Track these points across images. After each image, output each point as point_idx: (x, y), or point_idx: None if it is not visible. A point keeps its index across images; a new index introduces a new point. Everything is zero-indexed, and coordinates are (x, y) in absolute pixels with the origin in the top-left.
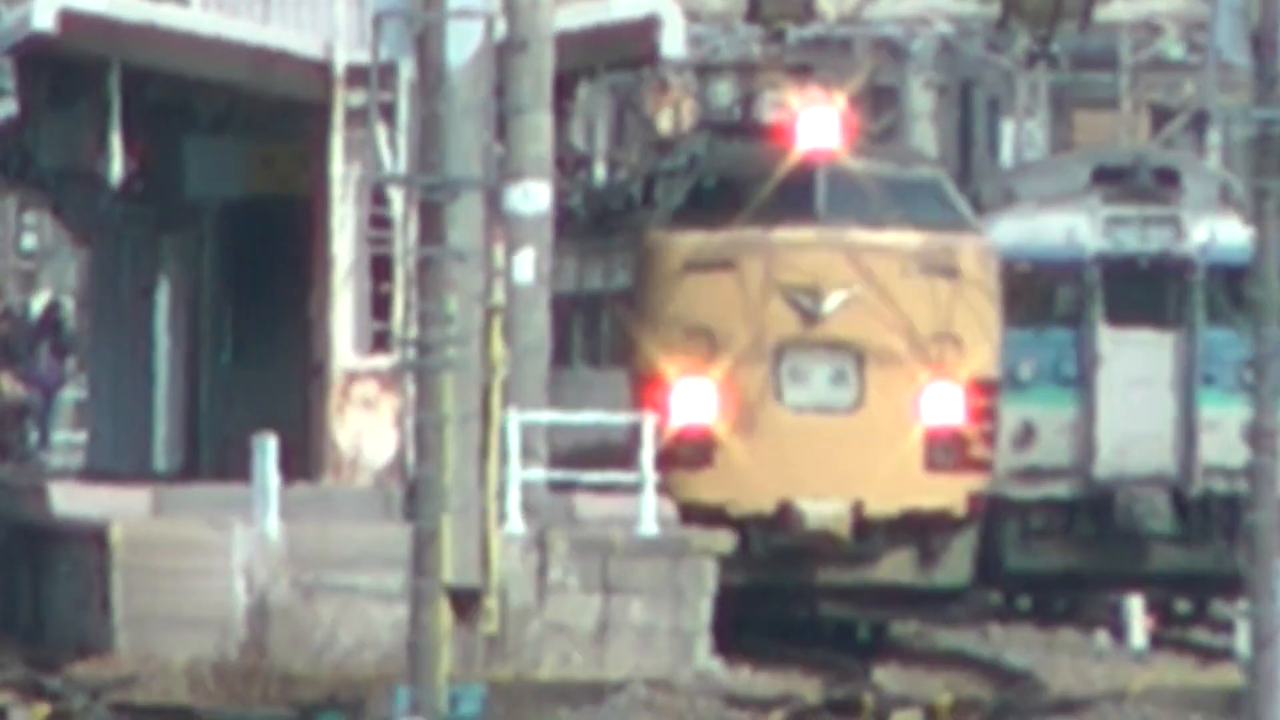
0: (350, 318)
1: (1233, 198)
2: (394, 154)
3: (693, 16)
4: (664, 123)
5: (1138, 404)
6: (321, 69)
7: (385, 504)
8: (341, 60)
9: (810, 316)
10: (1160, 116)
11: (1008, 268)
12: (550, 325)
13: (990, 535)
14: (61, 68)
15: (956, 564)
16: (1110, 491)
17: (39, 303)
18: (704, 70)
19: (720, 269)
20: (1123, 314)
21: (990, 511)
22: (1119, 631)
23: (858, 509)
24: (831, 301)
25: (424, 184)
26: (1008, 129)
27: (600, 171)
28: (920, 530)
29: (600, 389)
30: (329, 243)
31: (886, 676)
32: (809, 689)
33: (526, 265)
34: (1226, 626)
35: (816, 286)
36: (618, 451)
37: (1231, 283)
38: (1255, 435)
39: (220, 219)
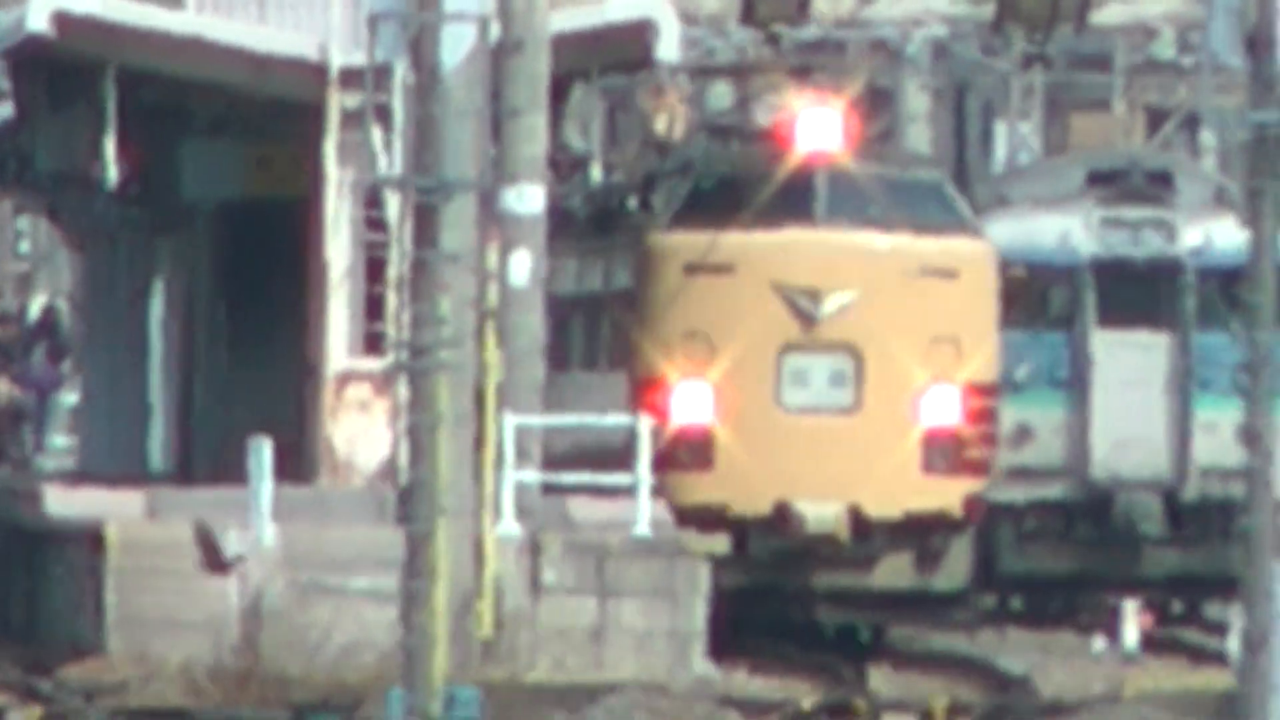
0: (345, 320)
1: (1227, 200)
2: (389, 156)
3: (688, 19)
4: (659, 127)
5: (1132, 406)
6: (317, 71)
7: (379, 506)
8: (337, 62)
9: (810, 318)
10: (1155, 118)
11: (1002, 270)
12: (549, 327)
13: (985, 538)
14: (57, 70)
15: (955, 567)
16: (1105, 494)
17: (35, 306)
18: (704, 72)
19: (720, 271)
20: (1117, 316)
21: (985, 514)
22: (1114, 634)
23: (856, 511)
24: (831, 304)
25: (419, 186)
26: (1001, 131)
27: (596, 173)
28: (919, 533)
29: (599, 391)
30: (324, 245)
31: (881, 679)
32: (804, 692)
33: (521, 267)
34: (1220, 629)
35: (816, 289)
36: (617, 453)
37: (1226, 285)
38: (1250, 438)
39: (215, 221)
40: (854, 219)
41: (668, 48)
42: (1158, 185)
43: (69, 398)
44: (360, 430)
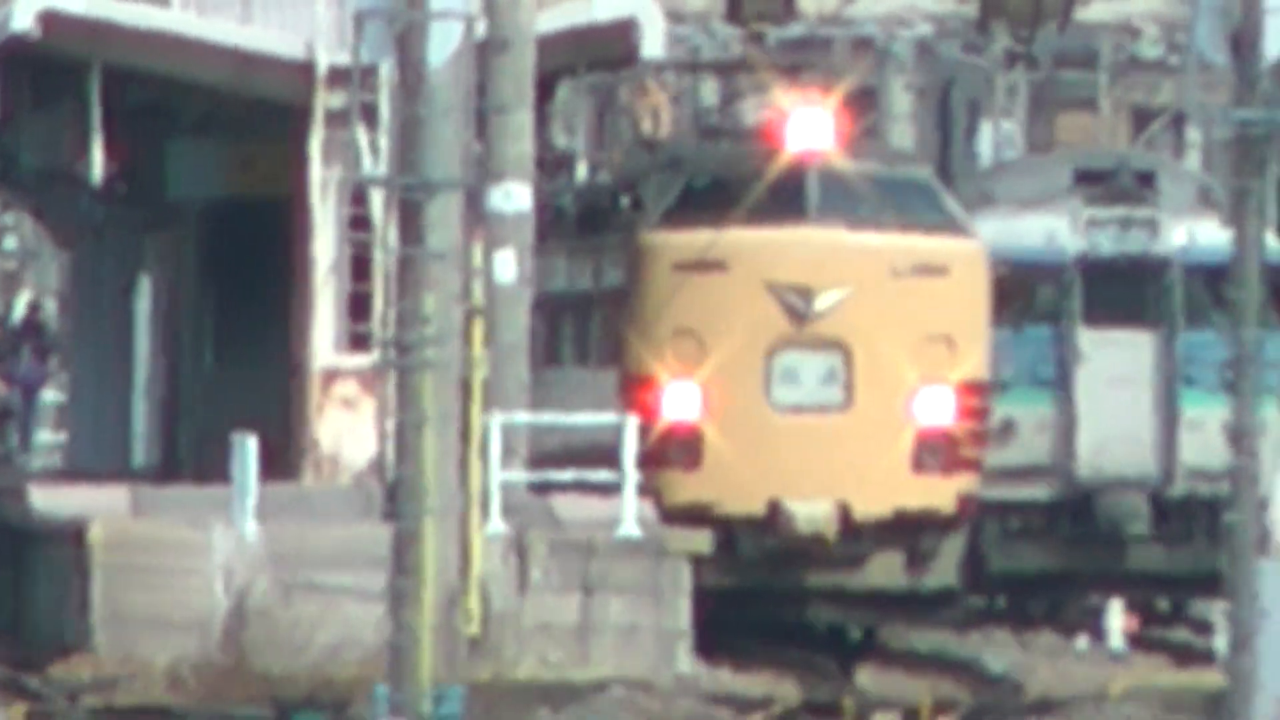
0: (331, 317)
1: (1212, 199)
2: (375, 155)
3: (673, 17)
4: (644, 125)
5: (1117, 405)
6: (302, 70)
7: (365, 503)
8: (322, 61)
9: (801, 316)
10: (1140, 117)
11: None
12: (540, 325)
13: (969, 537)
14: (42, 69)
15: (945, 566)
16: (1090, 492)
17: (21, 303)
18: (694, 68)
19: (711, 269)
20: (1102, 314)
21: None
22: (1099, 633)
23: (847, 510)
24: (822, 302)
25: (404, 185)
26: (986, 130)
27: (581, 171)
28: (909, 532)
29: (590, 389)
30: (310, 243)
31: (866, 678)
32: (790, 690)
33: (507, 265)
34: (1205, 627)
35: (807, 287)
36: (608, 452)
37: (1211, 283)
38: (1236, 436)
39: (201, 219)
40: (845, 217)
41: (653, 46)
42: (1143, 184)
43: (55, 395)
44: (346, 428)
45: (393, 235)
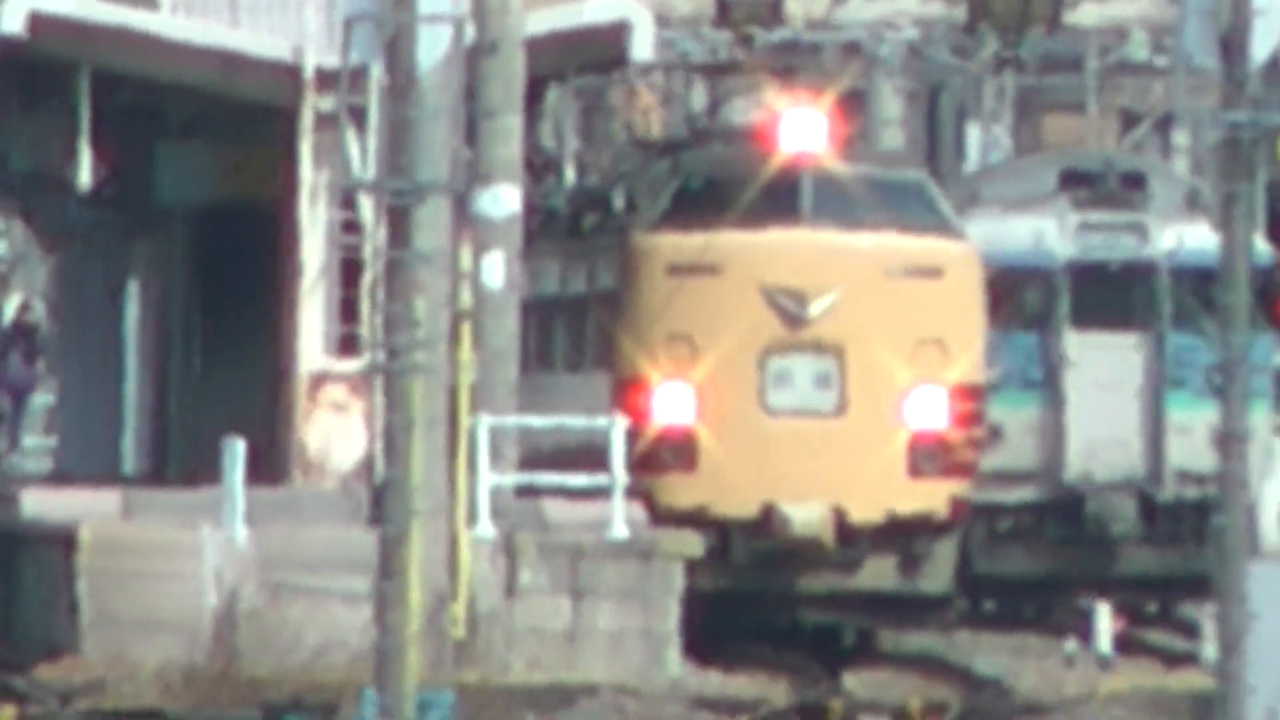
0: (320, 321)
1: (1200, 202)
2: (364, 158)
3: (662, 21)
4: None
5: (1106, 408)
6: (291, 73)
7: (353, 507)
8: (311, 64)
9: (795, 319)
10: (1128, 120)
11: None
12: (532, 328)
13: (958, 539)
14: (30, 71)
15: (939, 570)
16: (1078, 495)
17: (10, 306)
18: (687, 70)
19: (705, 272)
20: (1091, 318)
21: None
22: (1087, 636)
23: (841, 513)
24: (816, 305)
25: (392, 189)
26: (974, 133)
27: (570, 174)
28: (903, 535)
29: (583, 392)
30: (299, 247)
31: (855, 681)
32: (778, 693)
33: (496, 268)
34: (1193, 630)
35: (801, 289)
36: (601, 454)
37: (1199, 287)
38: (1225, 440)
39: (190, 223)
40: (839, 220)
41: (643, 48)
42: (1131, 187)
43: (44, 399)
44: (336, 431)
45: (382, 239)
